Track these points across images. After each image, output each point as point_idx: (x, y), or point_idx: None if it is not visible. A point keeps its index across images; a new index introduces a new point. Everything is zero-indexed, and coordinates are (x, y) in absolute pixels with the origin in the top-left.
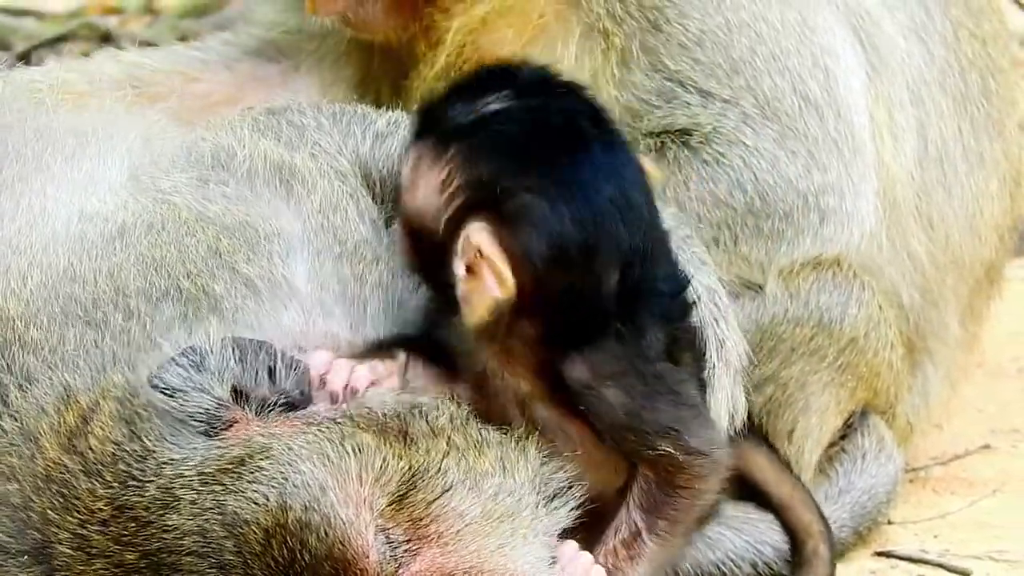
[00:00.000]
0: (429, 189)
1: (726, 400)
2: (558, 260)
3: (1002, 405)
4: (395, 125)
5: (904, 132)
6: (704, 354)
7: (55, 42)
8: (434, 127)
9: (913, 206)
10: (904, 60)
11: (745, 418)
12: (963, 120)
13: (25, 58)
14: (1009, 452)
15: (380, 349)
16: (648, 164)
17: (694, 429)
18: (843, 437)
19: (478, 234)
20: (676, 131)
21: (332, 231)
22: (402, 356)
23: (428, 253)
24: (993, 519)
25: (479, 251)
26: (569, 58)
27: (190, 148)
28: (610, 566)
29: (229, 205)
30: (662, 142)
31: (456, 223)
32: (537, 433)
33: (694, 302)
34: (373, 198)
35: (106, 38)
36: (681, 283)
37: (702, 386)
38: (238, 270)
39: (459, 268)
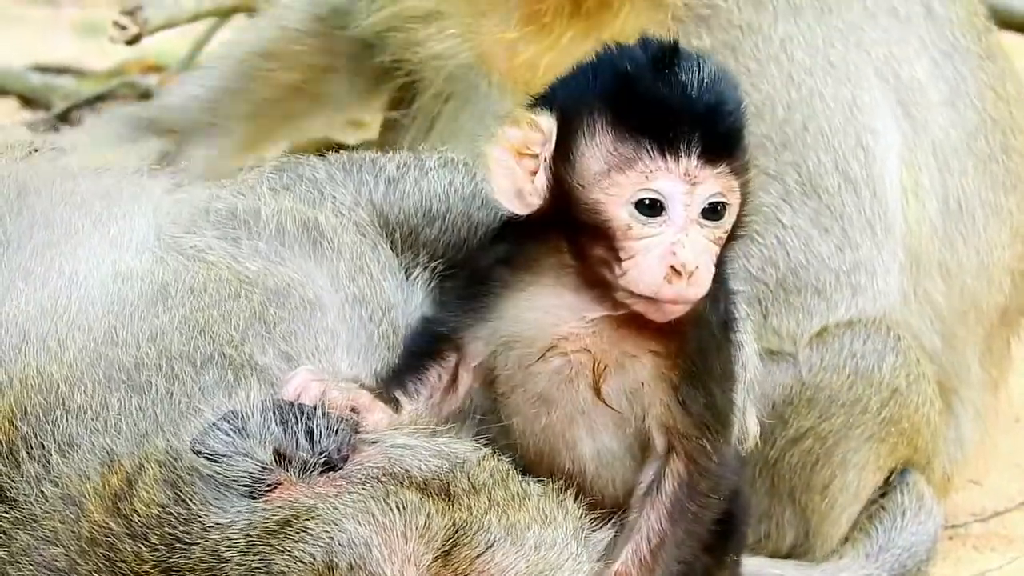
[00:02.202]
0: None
1: (739, 406)
2: None
3: None
4: (405, 168)
5: (929, 193)
6: None
7: (94, 101)
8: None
9: (935, 260)
10: (939, 126)
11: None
12: (984, 176)
13: (64, 117)
14: None
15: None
16: None
17: (728, 432)
18: (883, 495)
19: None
20: None
21: (364, 302)
22: (400, 396)
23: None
24: None
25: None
26: None
27: (207, 208)
28: (635, 572)
29: (267, 264)
30: None
31: None
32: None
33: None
34: (392, 245)
35: (146, 96)
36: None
37: None
38: (280, 344)
39: None
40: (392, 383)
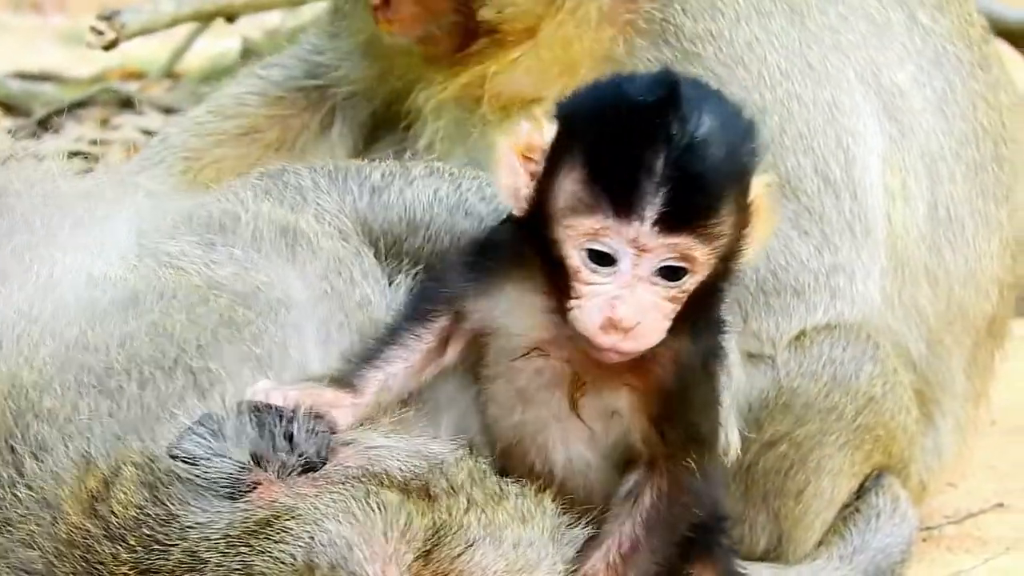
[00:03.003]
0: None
1: (724, 418)
2: None
3: (1015, 463)
4: (391, 177)
5: (916, 198)
6: None
7: (75, 108)
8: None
9: (922, 264)
10: (926, 133)
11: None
12: (974, 185)
13: (45, 124)
14: (1023, 510)
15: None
16: None
17: (713, 451)
18: (858, 497)
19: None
20: None
21: (337, 297)
22: (372, 386)
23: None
24: None
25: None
26: None
27: (191, 214)
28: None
29: (238, 270)
30: None
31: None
32: (582, 413)
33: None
34: (376, 254)
35: (127, 103)
36: None
37: None
38: (249, 344)
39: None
40: (369, 352)
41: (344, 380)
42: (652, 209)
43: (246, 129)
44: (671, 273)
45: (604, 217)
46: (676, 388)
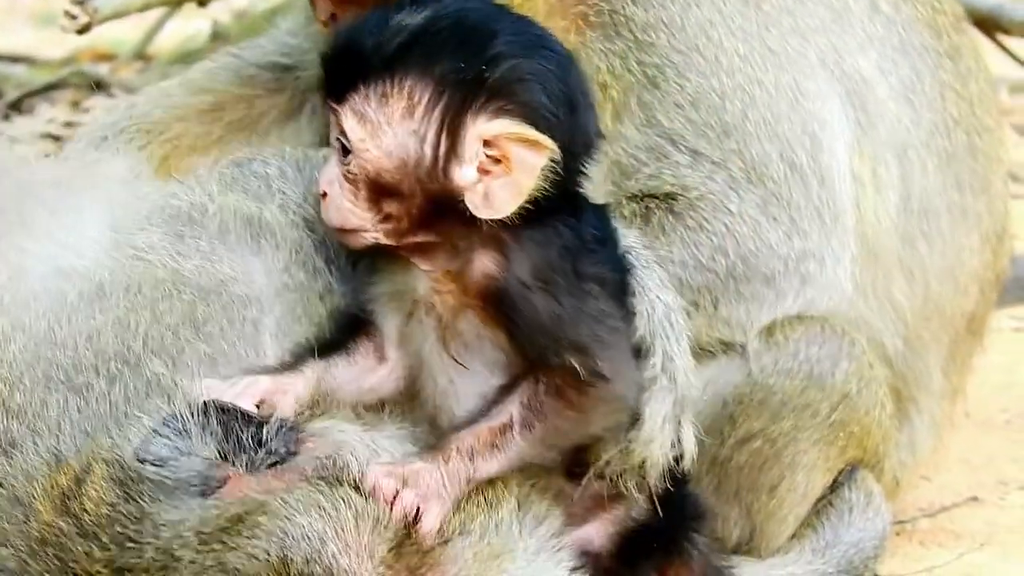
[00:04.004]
0: (395, 124)
1: (665, 419)
2: (561, 108)
3: (989, 457)
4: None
5: (887, 187)
6: (648, 358)
7: (47, 90)
8: (360, 67)
9: (896, 257)
10: (893, 121)
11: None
12: (948, 176)
13: (16, 106)
14: (996, 504)
15: (288, 366)
16: None
17: (607, 353)
18: (831, 491)
19: (488, 124)
20: (661, 195)
21: (299, 289)
22: (311, 369)
23: (406, 207)
24: (981, 572)
25: (494, 141)
26: None
27: (163, 205)
28: (467, 447)
29: (204, 263)
30: (647, 207)
31: (451, 134)
32: (452, 349)
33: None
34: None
35: (98, 85)
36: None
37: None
38: (213, 339)
39: (469, 174)
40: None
41: (287, 368)
42: (328, 77)
43: (211, 106)
44: (344, 149)
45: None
46: (510, 302)
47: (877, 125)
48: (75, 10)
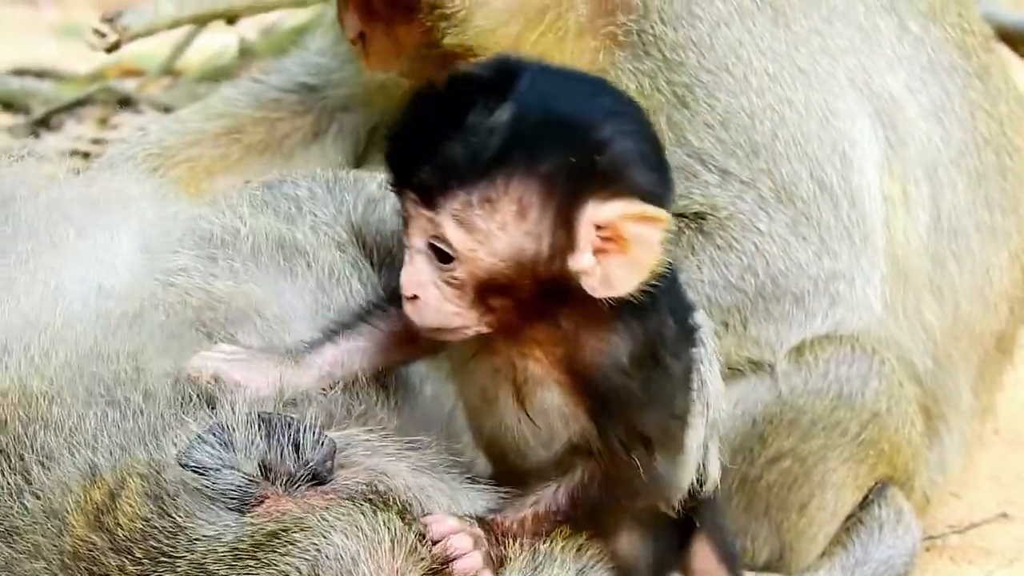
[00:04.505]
0: (509, 232)
1: (696, 445)
2: (662, 183)
3: (1018, 474)
4: (387, 188)
5: (917, 206)
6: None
7: (74, 106)
8: (453, 177)
9: (926, 277)
10: (923, 141)
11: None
12: (977, 195)
13: (44, 122)
14: None
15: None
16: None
17: (666, 451)
18: (861, 508)
19: (601, 209)
20: (691, 214)
21: (331, 305)
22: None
23: (517, 299)
24: None
25: (609, 225)
26: None
27: (194, 227)
28: (513, 528)
29: (238, 285)
30: (676, 226)
31: (567, 226)
32: (528, 409)
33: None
34: (372, 266)
35: (125, 102)
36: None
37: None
38: None
39: (586, 260)
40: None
41: (297, 352)
42: (414, 177)
43: (227, 129)
44: (441, 255)
45: (390, 181)
46: (603, 384)
47: (907, 144)
48: (104, 28)
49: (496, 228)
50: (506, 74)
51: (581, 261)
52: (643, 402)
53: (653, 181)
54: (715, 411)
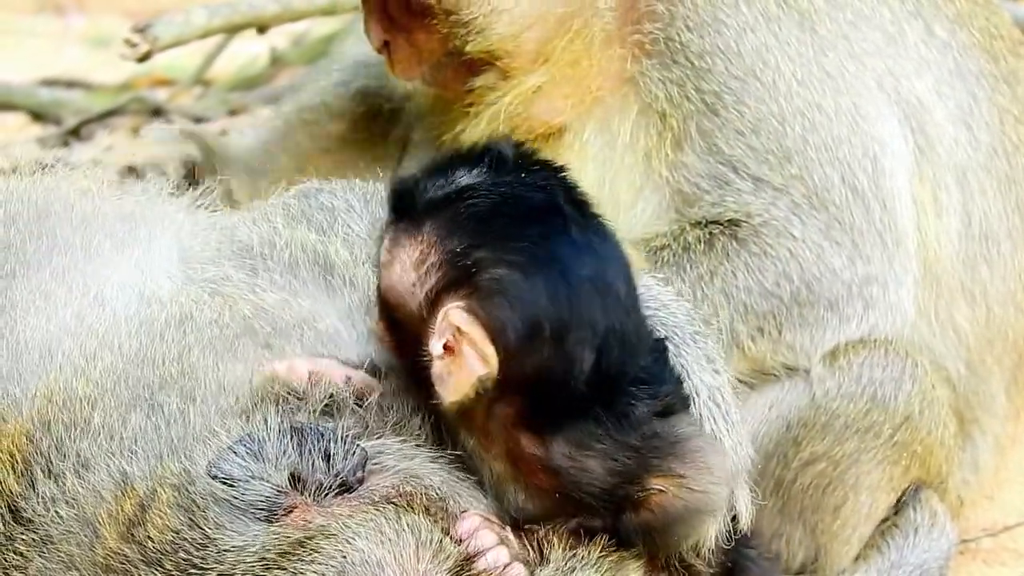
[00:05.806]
0: (405, 267)
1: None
2: (533, 335)
3: None
4: None
5: (948, 212)
6: None
7: (105, 116)
8: (408, 206)
9: (957, 281)
10: (951, 145)
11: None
12: (1008, 200)
13: (75, 133)
14: None
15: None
16: (631, 250)
17: (697, 465)
18: (895, 512)
19: (456, 312)
20: (725, 221)
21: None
22: None
23: (403, 332)
24: None
25: (458, 329)
26: (624, 135)
27: (231, 237)
28: (549, 535)
29: (284, 296)
30: (711, 233)
31: (433, 301)
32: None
33: (690, 397)
34: None
35: (156, 112)
36: (666, 376)
37: None
38: None
39: (437, 347)
40: None
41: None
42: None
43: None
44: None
45: None
46: (575, 482)
47: (936, 148)
48: (135, 38)
49: (397, 259)
50: (496, 158)
51: (432, 345)
52: (623, 465)
53: (513, 328)
54: (736, 460)
